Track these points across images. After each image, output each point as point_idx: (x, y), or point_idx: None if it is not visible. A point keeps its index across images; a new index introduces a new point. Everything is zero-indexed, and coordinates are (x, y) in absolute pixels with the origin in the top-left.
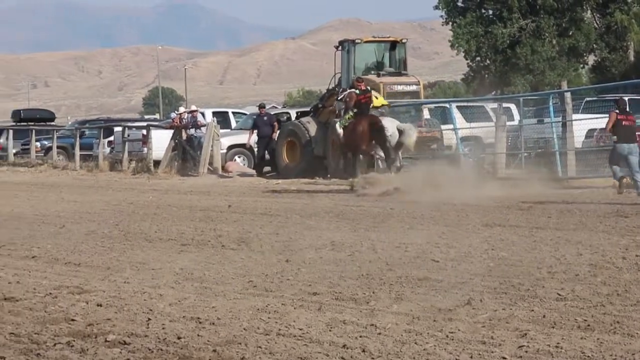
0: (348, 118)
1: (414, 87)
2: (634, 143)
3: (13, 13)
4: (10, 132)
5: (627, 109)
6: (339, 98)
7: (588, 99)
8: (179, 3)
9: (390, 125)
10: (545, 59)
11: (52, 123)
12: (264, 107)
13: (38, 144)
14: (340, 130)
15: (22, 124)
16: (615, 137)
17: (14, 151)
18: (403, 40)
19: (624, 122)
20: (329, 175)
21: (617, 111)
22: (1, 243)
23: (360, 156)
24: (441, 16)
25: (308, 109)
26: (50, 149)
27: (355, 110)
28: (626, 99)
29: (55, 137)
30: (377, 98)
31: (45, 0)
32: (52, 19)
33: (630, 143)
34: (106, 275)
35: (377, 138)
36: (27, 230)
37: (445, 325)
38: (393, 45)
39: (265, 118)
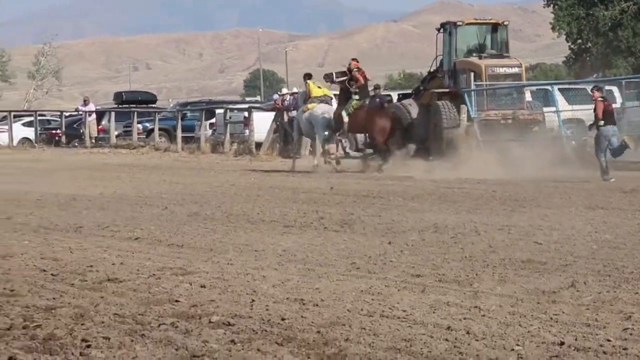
0: (354, 105)
1: (515, 70)
2: (615, 125)
3: None
4: (113, 114)
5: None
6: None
7: None
8: None
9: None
10: None
11: (153, 105)
12: (379, 89)
13: (140, 126)
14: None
15: (124, 106)
16: (602, 121)
17: (116, 133)
18: (505, 23)
19: (609, 108)
20: (430, 158)
21: (601, 98)
22: (104, 224)
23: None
24: None
25: (409, 91)
26: (152, 131)
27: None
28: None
29: (157, 119)
30: (319, 88)
31: None
32: (153, 2)
33: (614, 125)
34: (209, 257)
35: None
36: (130, 211)
37: (549, 307)
38: (495, 27)
39: (377, 100)
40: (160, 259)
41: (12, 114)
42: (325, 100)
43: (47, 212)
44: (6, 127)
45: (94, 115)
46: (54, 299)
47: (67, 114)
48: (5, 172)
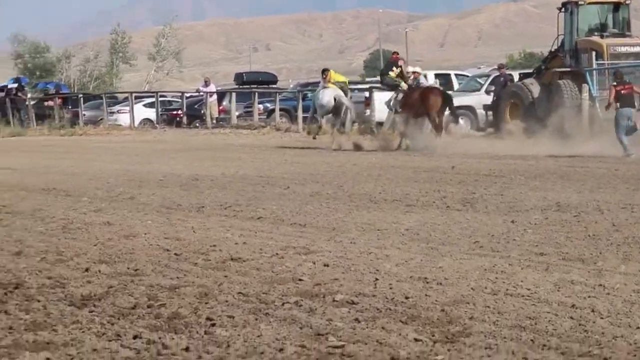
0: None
1: (637, 49)
2: (633, 107)
3: None
4: (233, 94)
5: (625, 79)
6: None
7: None
8: None
9: (328, 93)
10: None
11: (274, 86)
12: (504, 67)
13: (261, 106)
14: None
15: (245, 86)
16: (618, 104)
17: (237, 114)
18: (627, 2)
19: (622, 92)
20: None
21: (615, 84)
22: (227, 204)
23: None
24: None
25: (531, 70)
26: (272, 111)
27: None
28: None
29: (277, 99)
30: (340, 75)
31: None
32: None
33: (631, 107)
34: (332, 236)
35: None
36: (252, 191)
37: None
38: (616, 6)
39: (502, 79)
40: (283, 238)
41: (134, 95)
42: (340, 86)
43: (169, 192)
44: (127, 108)
45: (215, 96)
46: (177, 278)
47: (187, 94)
48: (127, 153)
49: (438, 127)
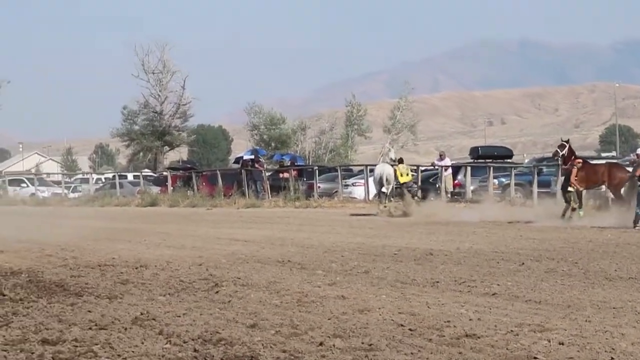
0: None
1: None
2: None
3: (476, 48)
4: (469, 168)
5: None
6: None
7: None
8: (638, 39)
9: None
10: None
11: (509, 160)
12: None
13: (496, 181)
14: None
15: (480, 160)
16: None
17: (471, 188)
18: None
19: None
20: None
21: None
22: (461, 279)
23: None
24: None
25: None
26: (507, 185)
27: None
28: None
29: (513, 174)
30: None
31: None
32: (510, 57)
33: None
34: (567, 314)
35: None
36: (487, 267)
37: None
38: None
39: None
40: (518, 315)
41: (368, 168)
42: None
43: (403, 266)
44: (362, 181)
45: (450, 170)
46: (412, 354)
47: (422, 168)
48: (362, 226)
49: None
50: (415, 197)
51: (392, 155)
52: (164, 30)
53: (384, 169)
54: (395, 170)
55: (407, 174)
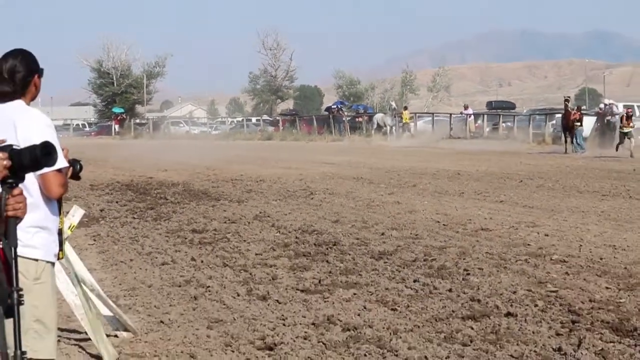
0: None
1: None
2: None
3: (492, 35)
4: (485, 116)
5: None
6: None
7: None
8: (602, 29)
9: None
10: None
11: (513, 111)
12: None
13: (503, 124)
14: None
15: (493, 110)
16: None
17: (487, 129)
18: None
19: None
20: None
21: None
22: (479, 191)
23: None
24: None
25: None
26: (510, 128)
27: None
28: None
29: (515, 120)
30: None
31: (515, 28)
32: (515, 39)
33: None
34: (550, 215)
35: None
36: (497, 183)
37: None
38: None
39: None
40: (517, 216)
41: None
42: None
43: (440, 182)
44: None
45: (472, 117)
46: (444, 241)
47: (453, 115)
48: (414, 154)
49: None
50: (407, 132)
51: (394, 105)
52: (278, 18)
53: (377, 117)
54: (401, 114)
55: (410, 118)
